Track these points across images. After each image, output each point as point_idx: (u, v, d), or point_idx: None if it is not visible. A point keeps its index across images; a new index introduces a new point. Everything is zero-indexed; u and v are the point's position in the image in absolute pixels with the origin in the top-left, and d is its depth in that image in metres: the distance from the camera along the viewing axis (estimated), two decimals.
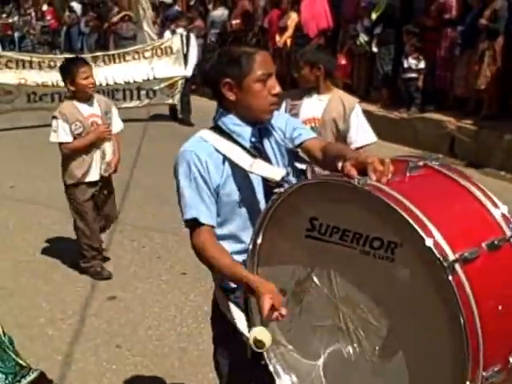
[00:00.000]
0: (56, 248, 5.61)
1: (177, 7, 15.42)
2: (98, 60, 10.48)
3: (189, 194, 2.23)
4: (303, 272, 2.03)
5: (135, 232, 5.96)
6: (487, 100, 8.31)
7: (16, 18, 20.70)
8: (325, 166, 2.21)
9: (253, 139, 2.29)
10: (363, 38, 9.93)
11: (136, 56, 10.62)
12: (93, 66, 9.85)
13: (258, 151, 2.27)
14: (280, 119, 2.38)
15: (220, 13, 12.99)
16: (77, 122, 4.74)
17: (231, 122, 2.27)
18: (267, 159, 2.28)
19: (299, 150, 2.34)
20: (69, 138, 4.74)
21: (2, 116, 10.37)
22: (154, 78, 10.69)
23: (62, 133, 4.73)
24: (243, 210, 2.26)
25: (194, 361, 3.87)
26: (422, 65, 8.97)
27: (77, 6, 19.17)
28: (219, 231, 2.27)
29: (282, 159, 2.34)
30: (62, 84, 9.83)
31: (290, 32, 11.01)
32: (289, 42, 11.05)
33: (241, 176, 2.24)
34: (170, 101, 10.97)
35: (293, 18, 10.97)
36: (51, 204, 6.71)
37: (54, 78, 9.96)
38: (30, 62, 10.25)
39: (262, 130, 2.32)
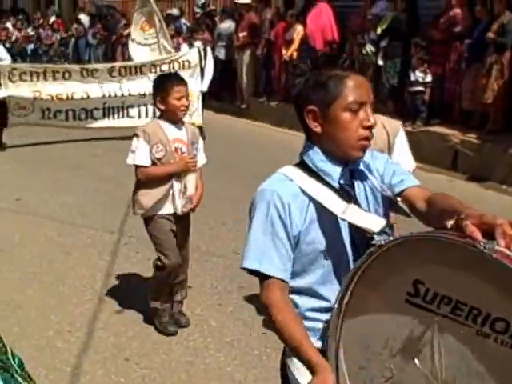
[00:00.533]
0: (62, 260, 5.63)
1: (183, 20, 15.54)
2: (114, 71, 10.25)
3: (262, 239, 1.92)
4: (398, 343, 1.68)
5: (140, 244, 5.96)
6: (493, 114, 8.33)
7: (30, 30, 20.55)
8: (428, 220, 1.87)
9: (342, 181, 1.96)
10: (370, 47, 9.97)
11: (153, 69, 10.22)
12: (108, 78, 10.04)
13: (347, 195, 1.95)
14: (379, 161, 2.05)
15: (227, 25, 13.05)
16: (159, 144, 4.13)
17: (319, 158, 1.96)
18: (358, 204, 1.95)
19: (399, 198, 1.98)
20: (147, 162, 4.13)
21: (13, 131, 10.22)
22: None
23: (140, 154, 4.13)
24: (327, 261, 1.94)
25: (201, 374, 3.89)
26: (428, 78, 9.00)
27: (84, 18, 19.32)
28: (295, 283, 1.97)
29: (376, 207, 2.02)
30: (76, 96, 9.93)
31: (296, 45, 11.08)
32: (295, 54, 11.12)
33: (327, 222, 1.93)
34: (188, 119, 10.52)
35: (298, 31, 11.04)
36: (57, 217, 6.75)
37: (69, 89, 9.93)
38: (44, 74, 9.97)
39: (355, 171, 1.99)
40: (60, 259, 5.65)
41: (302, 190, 1.93)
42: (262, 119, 11.70)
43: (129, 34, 16.05)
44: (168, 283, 4.40)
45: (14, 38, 19.70)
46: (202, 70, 10.26)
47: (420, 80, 9.04)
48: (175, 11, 15.96)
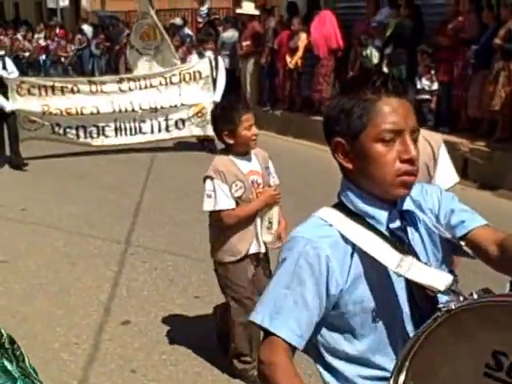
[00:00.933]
0: (69, 271, 5.57)
1: (187, 29, 15.55)
2: (123, 84, 9.92)
3: (282, 294, 1.60)
4: None
5: (147, 254, 5.93)
6: (501, 121, 8.26)
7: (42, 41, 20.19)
8: (502, 267, 1.58)
9: (391, 224, 1.65)
10: (372, 51, 9.93)
11: (163, 81, 9.95)
12: (118, 91, 9.78)
13: (400, 241, 1.63)
14: (431, 196, 1.73)
15: (230, 34, 13.04)
16: (237, 182, 3.68)
17: (359, 198, 1.65)
18: (413, 253, 1.63)
19: (463, 242, 1.67)
20: (232, 204, 3.67)
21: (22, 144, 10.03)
22: (182, 105, 9.99)
23: (222, 198, 3.64)
24: (379, 324, 1.62)
25: None
26: (435, 86, 8.95)
27: (87, 29, 19.36)
28: (341, 350, 1.65)
29: (436, 253, 1.70)
30: (86, 111, 9.66)
31: (300, 52, 11.06)
32: (299, 62, 11.10)
33: (377, 276, 1.61)
34: (202, 132, 10.07)
35: (303, 39, 11.03)
36: (62, 227, 6.71)
37: (78, 104, 9.67)
38: (53, 88, 9.68)
39: (405, 211, 1.68)
40: (66, 270, 5.60)
41: (344, 237, 1.61)
42: (266, 128, 11.64)
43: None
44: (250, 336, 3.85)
45: (25, 49, 19.53)
46: (214, 81, 9.98)
47: (426, 88, 8.99)
48: (178, 21, 15.99)
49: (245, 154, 3.76)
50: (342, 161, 1.65)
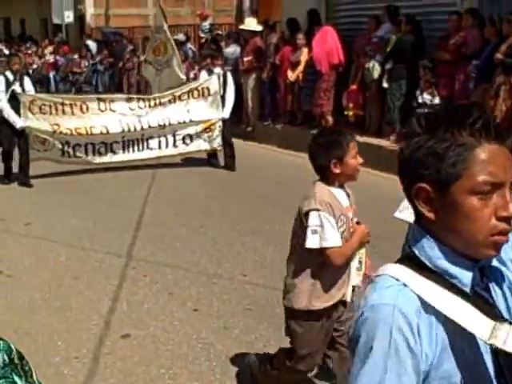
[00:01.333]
0: (70, 285, 5.62)
1: (189, 45, 15.68)
2: (132, 103, 9.80)
3: (385, 379, 1.33)
4: None
5: (148, 268, 5.97)
6: None
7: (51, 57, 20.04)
8: None
9: (476, 285, 1.42)
10: (374, 64, 10.00)
11: (172, 100, 9.87)
12: (127, 110, 9.67)
13: (485, 302, 1.41)
14: (510, 245, 1.47)
15: (232, 50, 13.14)
16: (342, 216, 3.27)
17: (437, 253, 1.41)
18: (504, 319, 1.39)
19: None
20: (339, 240, 3.23)
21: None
22: (191, 121, 9.90)
23: (331, 233, 3.20)
24: None
25: None
26: (436, 100, 9.00)
27: (92, 45, 19.53)
28: None
29: None
30: (95, 131, 9.54)
31: (301, 67, 11.16)
32: (300, 76, 11.20)
33: (464, 347, 1.38)
34: (208, 147, 10.07)
35: (304, 54, 11.13)
36: (65, 241, 6.76)
37: (87, 123, 9.55)
38: (63, 105, 9.49)
39: (486, 267, 1.46)
40: (68, 284, 5.65)
41: (423, 301, 1.36)
42: (267, 142, 11.75)
43: (137, 60, 16.37)
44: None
45: (34, 65, 19.48)
46: (223, 97, 9.88)
47: (428, 102, 9.04)
48: (181, 36, 16.08)
49: (342, 186, 3.38)
50: (424, 209, 1.41)
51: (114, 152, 9.84)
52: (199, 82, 10.09)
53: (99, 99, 9.85)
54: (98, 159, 9.82)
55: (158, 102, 9.82)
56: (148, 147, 9.93)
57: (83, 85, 18.32)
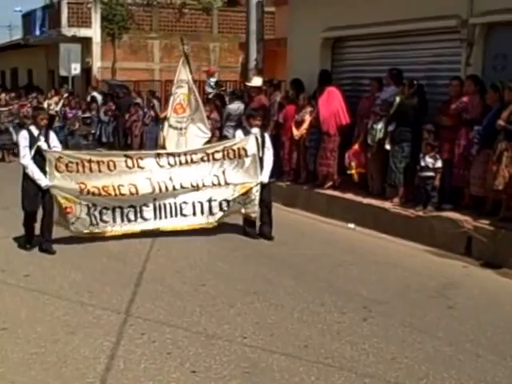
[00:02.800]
0: (67, 340, 5.52)
1: None
2: (162, 160, 9.04)
3: None
4: None
5: (146, 326, 5.88)
6: (505, 201, 8.30)
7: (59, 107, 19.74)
8: None
9: None
10: (381, 126, 10.09)
11: (205, 157, 9.12)
12: (156, 168, 8.91)
13: None
14: None
15: (236, 106, 13.31)
16: None
17: None
18: None
19: None
20: None
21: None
22: (226, 183, 9.09)
23: None
24: None
25: None
26: (438, 164, 9.05)
27: (98, 97, 19.79)
28: None
29: None
30: (124, 190, 8.71)
31: (306, 125, 11.26)
32: (304, 134, 11.31)
33: None
34: (243, 210, 9.25)
35: (309, 113, 11.25)
36: (64, 294, 6.68)
37: (115, 181, 8.77)
38: (90, 162, 8.70)
39: None
40: (64, 339, 5.54)
41: None
42: (273, 199, 11.74)
43: (142, 113, 16.56)
44: None
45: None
46: (261, 159, 9.13)
47: (430, 166, 9.09)
48: None
49: None
50: None
51: (144, 218, 8.98)
52: (234, 141, 9.34)
53: (126, 156, 9.06)
54: (127, 227, 8.89)
55: (189, 159, 9.10)
56: (182, 213, 9.09)
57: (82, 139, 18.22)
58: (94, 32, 25.46)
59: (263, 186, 9.12)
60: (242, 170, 9.12)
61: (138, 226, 8.91)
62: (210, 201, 9.11)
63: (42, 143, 8.26)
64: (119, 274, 7.38)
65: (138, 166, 8.90)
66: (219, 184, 9.09)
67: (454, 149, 9.08)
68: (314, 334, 5.73)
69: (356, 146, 10.46)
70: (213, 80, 17.27)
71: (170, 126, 10.77)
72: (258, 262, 7.97)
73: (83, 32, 25.25)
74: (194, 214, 9.12)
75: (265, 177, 9.12)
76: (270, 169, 9.23)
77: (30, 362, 5.09)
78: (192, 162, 9.09)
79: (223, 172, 9.10)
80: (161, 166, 8.97)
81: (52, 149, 8.41)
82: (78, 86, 23.88)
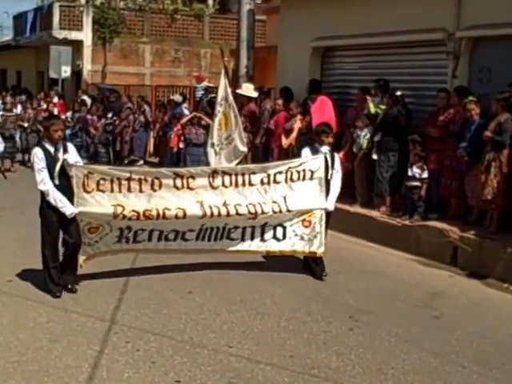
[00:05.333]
0: (49, 348, 5.45)
1: (185, 105, 15.83)
2: (216, 177, 7.53)
3: None
4: None
5: (131, 334, 5.82)
6: (491, 211, 8.36)
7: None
8: None
9: None
10: (366, 134, 10.12)
11: (265, 178, 7.64)
12: (209, 189, 7.44)
13: None
14: None
15: None
16: None
17: None
18: None
19: None
20: None
21: (15, 208, 9.92)
22: (287, 210, 7.65)
23: None
24: None
25: None
26: (425, 174, 9.11)
27: (88, 100, 19.68)
28: None
29: None
30: (169, 214, 7.19)
31: (295, 134, 11.26)
32: (293, 143, 11.30)
33: None
34: (307, 248, 7.79)
35: (299, 121, 11.26)
36: (47, 301, 6.61)
37: (160, 204, 7.26)
38: (129, 180, 7.16)
39: None
40: (47, 347, 5.47)
41: None
42: None
43: (133, 118, 16.42)
44: None
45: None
46: (328, 183, 7.78)
47: (417, 176, 9.15)
48: (177, 97, 16.28)
49: None
50: None
51: (184, 239, 7.61)
52: (300, 161, 7.84)
53: (176, 174, 7.44)
54: (163, 245, 7.62)
55: (247, 180, 7.61)
56: (228, 237, 7.73)
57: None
58: (86, 35, 25.40)
59: (327, 214, 7.83)
60: (305, 195, 7.75)
61: (174, 246, 7.67)
62: (263, 225, 7.79)
63: (62, 159, 6.75)
64: (105, 281, 7.31)
65: (188, 187, 7.41)
66: (280, 212, 7.66)
67: (441, 159, 9.15)
68: (300, 344, 5.71)
69: (341, 155, 10.43)
70: (201, 86, 17.22)
71: (213, 146, 10.04)
72: (245, 269, 7.93)
73: (74, 35, 25.18)
74: (243, 239, 7.78)
75: (330, 203, 7.80)
76: (337, 194, 7.94)
77: (11, 370, 5.01)
78: (250, 184, 7.63)
79: (284, 198, 7.68)
80: (214, 188, 7.51)
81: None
82: (68, 89, 23.79)
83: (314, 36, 12.28)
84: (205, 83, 17.41)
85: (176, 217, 7.34)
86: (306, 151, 7.99)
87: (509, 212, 8.26)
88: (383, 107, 10.02)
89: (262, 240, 7.81)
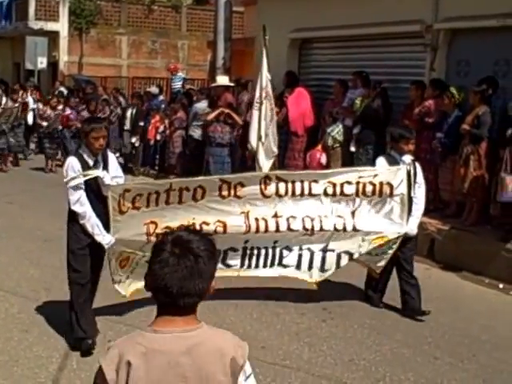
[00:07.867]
0: (20, 339, 5.40)
1: (162, 97, 15.72)
2: (270, 184, 6.19)
3: None
4: None
5: (103, 323, 5.76)
6: (470, 204, 8.39)
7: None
8: None
9: None
10: (340, 127, 10.12)
11: (329, 189, 6.29)
12: (259, 199, 6.16)
13: None
14: None
15: (203, 105, 13.12)
16: None
17: None
18: None
19: None
20: None
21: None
22: (355, 230, 6.32)
23: None
24: None
25: None
26: None
27: (65, 92, 19.46)
28: None
29: None
30: (208, 228, 5.79)
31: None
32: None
33: None
34: (371, 264, 6.58)
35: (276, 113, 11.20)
36: (19, 291, 6.56)
37: (198, 217, 6.03)
38: (168, 192, 5.91)
39: None
40: (17, 337, 5.43)
41: None
42: None
43: (109, 110, 16.20)
44: None
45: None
46: (410, 200, 6.35)
47: None
48: (154, 89, 16.16)
49: None
50: None
51: (226, 264, 6.30)
52: (375, 171, 6.43)
53: (222, 181, 6.15)
54: None
55: (306, 188, 6.27)
56: (281, 263, 6.40)
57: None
58: (62, 26, 25.13)
59: (408, 238, 6.46)
60: (381, 214, 6.38)
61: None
62: (324, 251, 6.42)
63: (101, 174, 5.42)
64: None
65: (235, 195, 6.13)
66: (344, 230, 6.33)
67: (416, 152, 9.14)
68: (273, 335, 5.71)
69: (318, 147, 10.47)
70: (177, 77, 17.11)
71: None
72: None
73: (50, 26, 24.90)
74: (298, 266, 6.42)
75: (413, 226, 6.40)
76: (421, 214, 6.57)
77: None
78: (310, 194, 6.29)
79: (352, 213, 6.34)
80: (266, 197, 6.21)
81: (113, 180, 5.56)
82: (44, 80, 23.54)
83: (291, 28, 12.25)
84: (180, 74, 17.32)
85: (215, 232, 5.96)
86: (381, 161, 6.55)
87: (485, 204, 8.31)
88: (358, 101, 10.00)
89: (323, 270, 6.45)
